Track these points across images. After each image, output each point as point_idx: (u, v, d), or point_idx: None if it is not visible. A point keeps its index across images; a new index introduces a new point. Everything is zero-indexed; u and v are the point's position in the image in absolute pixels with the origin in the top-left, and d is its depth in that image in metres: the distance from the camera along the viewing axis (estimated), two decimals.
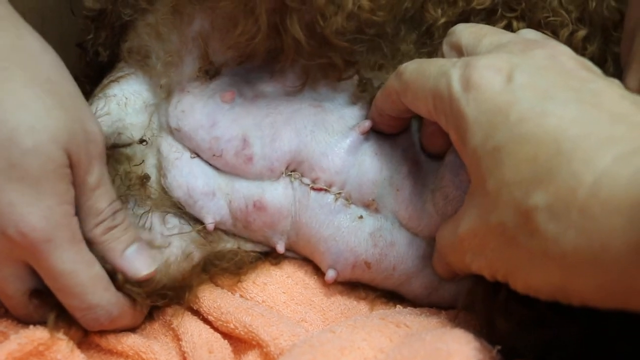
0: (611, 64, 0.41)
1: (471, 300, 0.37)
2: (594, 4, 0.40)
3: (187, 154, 0.43)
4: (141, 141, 0.43)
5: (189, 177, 0.42)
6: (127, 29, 0.45)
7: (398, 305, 0.41)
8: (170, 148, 0.43)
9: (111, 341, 0.39)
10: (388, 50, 0.42)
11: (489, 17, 0.40)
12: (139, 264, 0.38)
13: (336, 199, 0.41)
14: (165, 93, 0.43)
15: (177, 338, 0.39)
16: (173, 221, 0.42)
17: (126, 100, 0.43)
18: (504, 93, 0.29)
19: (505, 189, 0.28)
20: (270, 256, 0.45)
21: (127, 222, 0.39)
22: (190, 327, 0.39)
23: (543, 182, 0.26)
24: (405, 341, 0.33)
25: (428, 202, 0.40)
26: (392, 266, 0.41)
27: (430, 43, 0.42)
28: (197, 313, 0.41)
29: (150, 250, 0.40)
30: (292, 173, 0.42)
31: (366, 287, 0.43)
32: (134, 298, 0.39)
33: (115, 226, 0.38)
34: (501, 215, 0.28)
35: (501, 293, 0.33)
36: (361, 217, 0.41)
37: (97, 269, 0.37)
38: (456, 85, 0.31)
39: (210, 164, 0.43)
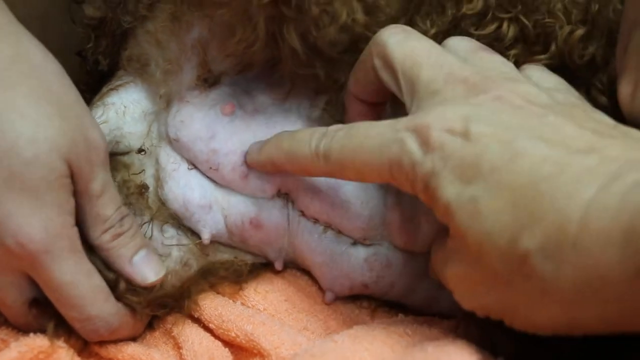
0: (614, 66, 0.40)
1: (467, 315, 0.37)
2: (597, 6, 0.39)
3: (185, 166, 0.42)
4: (140, 151, 0.43)
5: (186, 189, 0.42)
6: (127, 36, 0.44)
7: (400, 314, 0.41)
8: (168, 158, 0.43)
9: (111, 350, 0.39)
10: None
11: (479, 20, 0.39)
12: (148, 270, 0.38)
13: (325, 230, 0.41)
14: (164, 102, 0.43)
15: (177, 346, 0.39)
16: (171, 231, 0.42)
17: (125, 109, 0.43)
18: (468, 147, 0.29)
19: (487, 239, 0.27)
20: (271, 264, 0.44)
21: (134, 228, 0.39)
22: (191, 335, 0.39)
23: (528, 226, 0.26)
24: (407, 352, 0.33)
25: (423, 223, 0.39)
26: (390, 284, 0.41)
27: None
28: (197, 321, 0.41)
29: (158, 255, 0.40)
30: (285, 195, 0.41)
31: (368, 296, 0.43)
32: (134, 308, 0.38)
33: (123, 232, 0.38)
34: (489, 264, 0.28)
35: None
36: (354, 243, 0.41)
37: (97, 280, 0.37)
38: (415, 150, 0.30)
39: (207, 177, 0.42)
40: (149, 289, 0.38)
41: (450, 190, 0.29)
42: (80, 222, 0.37)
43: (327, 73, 0.40)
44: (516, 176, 0.27)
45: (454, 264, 0.31)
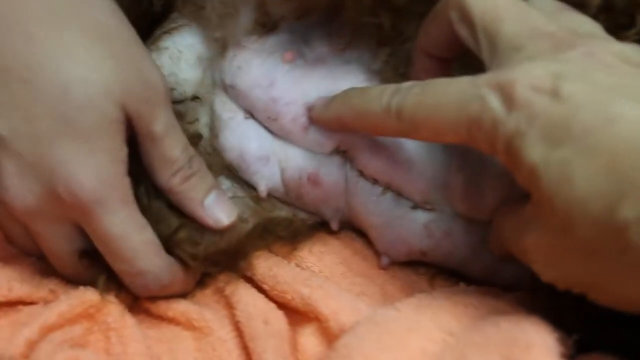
0: None
1: (535, 287, 0.35)
2: None
3: (241, 114, 0.40)
4: (194, 98, 0.41)
5: (243, 139, 0.40)
6: None
7: (461, 283, 0.39)
8: (224, 106, 0.41)
9: (162, 307, 0.38)
10: None
11: None
12: (220, 212, 0.37)
13: (384, 191, 0.39)
14: (220, 47, 0.41)
15: (229, 306, 0.38)
16: (226, 183, 0.41)
17: (179, 54, 0.41)
18: (557, 106, 0.26)
19: (578, 205, 0.25)
20: (326, 225, 0.43)
21: (203, 168, 0.38)
22: (245, 296, 0.37)
23: (627, 194, 0.24)
24: (476, 325, 0.31)
25: (486, 190, 0.37)
26: (449, 252, 0.39)
27: None
28: (250, 280, 0.39)
29: (228, 197, 0.39)
30: (343, 153, 0.39)
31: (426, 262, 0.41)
32: (186, 263, 0.37)
33: (193, 174, 0.37)
34: (579, 233, 0.26)
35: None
36: (414, 207, 0.39)
37: (148, 234, 0.36)
38: (498, 108, 0.28)
39: (265, 127, 0.40)
40: (210, 242, 0.37)
41: (536, 152, 0.27)
42: (148, 166, 0.36)
43: (393, 23, 0.38)
44: (613, 140, 0.25)
45: (536, 232, 0.29)
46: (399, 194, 0.39)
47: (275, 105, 0.39)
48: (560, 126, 0.26)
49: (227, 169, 0.41)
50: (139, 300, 0.38)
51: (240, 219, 0.39)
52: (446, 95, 0.30)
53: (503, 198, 0.36)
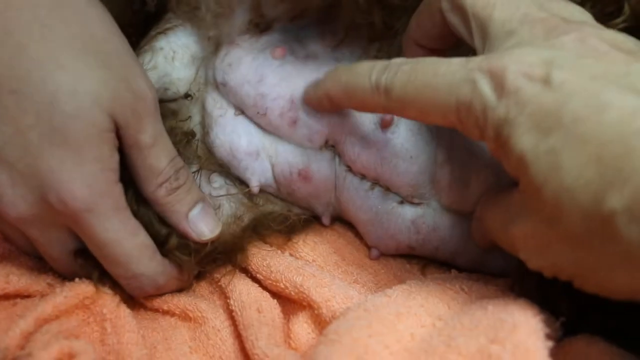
0: None
1: (523, 276, 0.35)
2: None
3: (232, 111, 0.41)
4: (186, 96, 0.41)
5: (233, 135, 0.40)
6: None
7: (453, 270, 0.40)
8: (215, 104, 0.41)
9: (157, 300, 0.38)
10: None
11: None
12: (203, 226, 0.37)
13: (372, 187, 0.39)
14: (213, 46, 0.41)
15: (224, 296, 0.38)
16: (219, 181, 0.41)
17: (174, 54, 0.41)
18: (548, 94, 0.26)
19: (566, 194, 0.25)
20: (319, 218, 0.43)
21: (190, 181, 0.37)
22: (239, 285, 0.38)
23: (614, 183, 0.24)
24: (464, 309, 0.31)
25: (472, 182, 0.37)
26: (436, 247, 0.40)
27: None
28: (244, 271, 0.40)
29: (213, 210, 0.38)
30: (332, 148, 0.40)
31: None
32: (181, 265, 0.37)
33: (179, 187, 0.36)
34: (567, 222, 0.26)
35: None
36: (402, 202, 0.39)
37: (142, 238, 0.36)
38: (488, 93, 0.28)
39: (255, 123, 0.41)
40: (202, 245, 0.37)
41: (525, 139, 0.27)
42: (134, 176, 0.36)
43: (384, 20, 0.38)
44: (603, 129, 0.25)
45: (523, 221, 0.29)
46: (387, 189, 0.39)
47: (264, 100, 0.39)
48: (550, 115, 0.26)
49: (219, 167, 0.41)
50: None
51: (235, 216, 0.39)
52: (436, 76, 0.30)
53: (488, 189, 0.37)
